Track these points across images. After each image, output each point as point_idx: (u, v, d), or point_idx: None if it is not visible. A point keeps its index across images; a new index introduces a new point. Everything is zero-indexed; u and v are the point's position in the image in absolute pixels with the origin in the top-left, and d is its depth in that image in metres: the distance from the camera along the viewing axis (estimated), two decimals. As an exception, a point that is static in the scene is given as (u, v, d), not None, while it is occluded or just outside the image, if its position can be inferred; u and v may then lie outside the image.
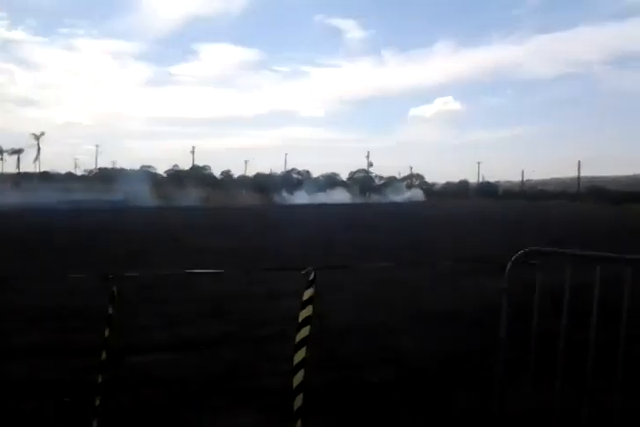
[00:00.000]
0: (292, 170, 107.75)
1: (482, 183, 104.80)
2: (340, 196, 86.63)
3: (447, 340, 6.45)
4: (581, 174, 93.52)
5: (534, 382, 3.43)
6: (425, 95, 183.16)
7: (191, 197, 74.53)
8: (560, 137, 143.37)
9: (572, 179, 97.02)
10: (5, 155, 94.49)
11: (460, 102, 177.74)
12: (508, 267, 3.45)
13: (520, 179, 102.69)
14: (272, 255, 14.88)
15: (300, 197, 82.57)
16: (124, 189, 74.17)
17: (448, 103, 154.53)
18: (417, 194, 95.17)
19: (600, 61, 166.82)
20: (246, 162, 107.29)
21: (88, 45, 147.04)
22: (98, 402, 3.75)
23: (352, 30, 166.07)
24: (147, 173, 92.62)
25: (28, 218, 32.62)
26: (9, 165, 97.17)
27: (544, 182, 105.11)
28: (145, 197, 69.88)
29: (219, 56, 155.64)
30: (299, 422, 3.55)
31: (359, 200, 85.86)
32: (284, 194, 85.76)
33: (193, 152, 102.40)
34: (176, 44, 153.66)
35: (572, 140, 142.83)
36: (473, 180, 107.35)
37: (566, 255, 3.58)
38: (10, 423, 4.11)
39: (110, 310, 3.79)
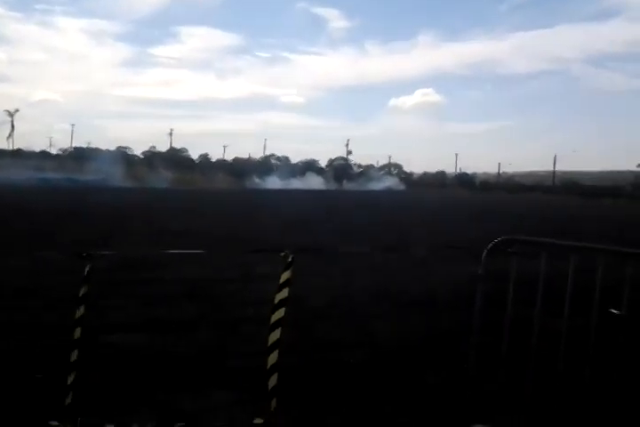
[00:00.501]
0: (271, 155, 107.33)
1: (459, 174, 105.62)
2: (314, 182, 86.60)
3: (421, 324, 6.53)
4: (556, 169, 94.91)
5: (506, 366, 3.49)
6: (406, 87, 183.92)
7: (164, 179, 73.82)
8: (537, 132, 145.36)
9: (547, 172, 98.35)
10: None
11: (440, 95, 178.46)
12: (484, 254, 3.49)
13: (497, 171, 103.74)
14: (248, 239, 14.83)
15: (273, 183, 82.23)
16: (98, 168, 73.09)
17: (428, 95, 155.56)
18: (396, 183, 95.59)
19: (579, 60, 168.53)
20: (224, 147, 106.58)
21: (66, 23, 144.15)
22: (71, 379, 3.73)
23: (335, 20, 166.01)
24: (122, 154, 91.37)
25: (-1, 196, 32.00)
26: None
27: (520, 175, 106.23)
28: (119, 177, 68.98)
29: (200, 39, 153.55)
30: (274, 402, 3.57)
31: (335, 187, 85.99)
32: (256, 179, 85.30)
33: (171, 134, 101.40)
34: (156, 26, 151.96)
35: (549, 135, 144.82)
36: (450, 170, 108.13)
37: (542, 244, 3.63)
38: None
39: (84, 289, 3.75)
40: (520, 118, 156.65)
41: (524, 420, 3.41)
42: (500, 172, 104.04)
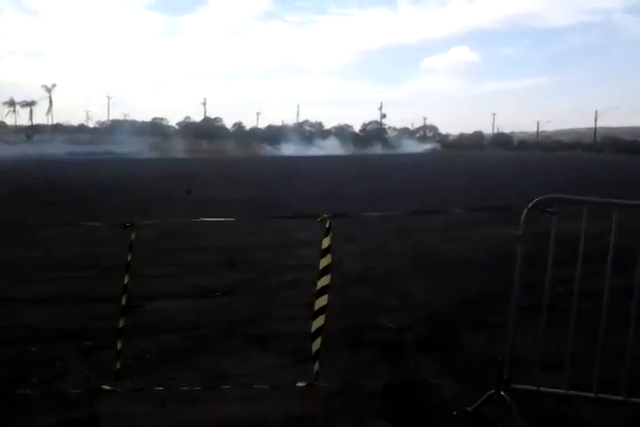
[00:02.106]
0: (304, 122, 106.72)
1: (497, 134, 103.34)
2: (347, 147, 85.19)
3: (460, 287, 6.52)
4: (598, 125, 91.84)
5: (547, 328, 3.47)
6: (440, 45, 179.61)
7: (199, 149, 74.07)
8: (577, 87, 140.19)
9: (588, 129, 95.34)
10: (18, 107, 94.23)
11: (475, 52, 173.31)
12: (524, 214, 3.43)
13: (535, 129, 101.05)
14: (283, 205, 14.89)
15: (301, 150, 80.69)
16: (133, 140, 73.99)
17: (463, 53, 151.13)
18: (431, 146, 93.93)
19: (619, 9, 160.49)
20: (258, 114, 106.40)
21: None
22: (119, 346, 3.88)
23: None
24: (157, 125, 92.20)
25: (39, 169, 32.77)
26: (22, 118, 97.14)
27: (559, 133, 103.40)
28: (153, 149, 69.65)
29: (230, 6, 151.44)
30: (316, 365, 3.65)
31: (369, 152, 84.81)
32: (290, 146, 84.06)
33: (204, 104, 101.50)
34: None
35: (589, 91, 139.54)
36: (487, 131, 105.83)
37: (583, 202, 3.54)
38: (34, 366, 4.25)
39: (129, 257, 3.85)
40: (559, 74, 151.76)
41: (565, 381, 3.41)
42: (539, 130, 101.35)
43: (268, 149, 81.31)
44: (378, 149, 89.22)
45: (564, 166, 40.35)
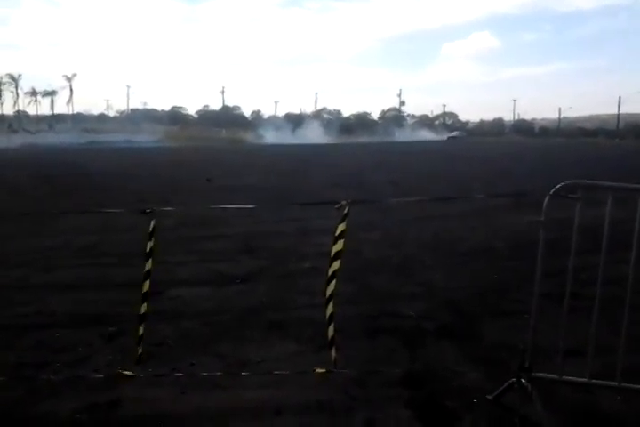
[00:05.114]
0: (323, 109, 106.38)
1: (517, 121, 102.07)
2: (364, 134, 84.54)
3: (481, 274, 6.47)
4: (621, 111, 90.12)
5: (569, 316, 3.43)
6: (459, 31, 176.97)
7: (218, 137, 74.37)
8: (600, 72, 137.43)
9: (610, 115, 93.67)
10: (39, 97, 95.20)
11: (496, 38, 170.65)
12: (546, 200, 3.37)
13: (557, 116, 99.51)
14: (303, 192, 14.88)
15: (320, 137, 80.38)
16: (154, 129, 74.47)
17: (484, 39, 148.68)
18: (448, 132, 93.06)
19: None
20: (276, 102, 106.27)
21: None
22: (141, 332, 3.92)
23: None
24: (177, 114, 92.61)
25: (60, 158, 33.12)
26: (44, 107, 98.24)
27: (582, 119, 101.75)
28: (172, 137, 70.06)
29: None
30: (333, 351, 3.65)
31: (388, 139, 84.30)
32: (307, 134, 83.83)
33: (223, 92, 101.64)
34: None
35: (613, 76, 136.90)
36: (508, 118, 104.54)
37: (606, 188, 3.47)
38: (57, 351, 4.32)
39: (150, 244, 3.88)
40: (581, 59, 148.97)
41: (588, 370, 3.36)
42: (561, 117, 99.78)
43: (285, 137, 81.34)
44: (395, 137, 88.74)
45: (587, 153, 39.74)
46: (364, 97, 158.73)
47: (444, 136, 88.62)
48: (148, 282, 3.89)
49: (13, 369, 3.99)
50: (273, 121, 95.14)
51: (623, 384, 3.36)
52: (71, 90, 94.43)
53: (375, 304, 5.39)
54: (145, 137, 68.92)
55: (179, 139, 69.04)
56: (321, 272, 3.91)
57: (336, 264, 3.71)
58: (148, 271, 3.90)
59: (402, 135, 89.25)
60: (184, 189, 15.94)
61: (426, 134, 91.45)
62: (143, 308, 3.90)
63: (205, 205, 11.74)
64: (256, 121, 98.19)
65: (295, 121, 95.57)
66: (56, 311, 5.26)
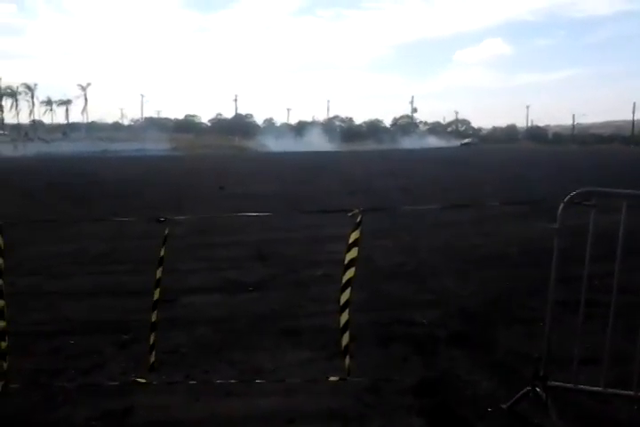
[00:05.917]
0: (335, 117, 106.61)
1: (531, 128, 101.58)
2: (374, 142, 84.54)
3: (494, 282, 6.43)
4: (636, 117, 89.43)
5: (584, 324, 3.39)
6: (472, 38, 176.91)
7: (231, 145, 74.86)
8: (614, 78, 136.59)
9: (625, 122, 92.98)
10: (54, 106, 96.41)
11: (509, 44, 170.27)
12: (561, 207, 3.35)
13: (570, 122, 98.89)
14: (314, 200, 14.89)
15: (331, 145, 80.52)
16: (167, 137, 75.10)
17: (497, 45, 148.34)
18: (461, 139, 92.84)
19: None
20: (288, 110, 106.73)
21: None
22: (153, 339, 3.93)
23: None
24: (190, 122, 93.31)
25: (75, 166, 33.42)
26: (59, 116, 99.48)
27: (596, 126, 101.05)
28: (186, 146, 70.63)
29: (262, 2, 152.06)
30: (347, 359, 3.64)
31: (399, 146, 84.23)
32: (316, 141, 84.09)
33: (236, 100, 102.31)
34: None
35: (627, 82, 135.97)
36: (521, 124, 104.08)
37: (621, 195, 3.45)
38: (71, 358, 4.34)
39: (163, 252, 3.90)
40: (596, 65, 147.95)
41: (603, 379, 3.33)
42: (575, 123, 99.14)
43: (295, 145, 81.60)
44: (406, 144, 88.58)
45: (601, 160, 39.43)
46: (376, 104, 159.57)
47: (455, 143, 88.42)
48: (158, 290, 3.90)
49: (29, 376, 4.01)
50: (283, 129, 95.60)
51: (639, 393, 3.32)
52: (86, 99, 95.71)
53: (388, 312, 5.38)
54: (158, 145, 69.42)
55: (191, 147, 69.66)
56: (333, 280, 3.91)
57: (350, 272, 3.70)
58: (160, 279, 3.92)
59: (413, 142, 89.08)
60: (196, 197, 16.03)
61: (437, 142, 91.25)
62: (155, 315, 3.91)
63: (218, 212, 11.79)
64: (267, 129, 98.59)
65: (305, 129, 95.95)
66: (71, 318, 5.30)
